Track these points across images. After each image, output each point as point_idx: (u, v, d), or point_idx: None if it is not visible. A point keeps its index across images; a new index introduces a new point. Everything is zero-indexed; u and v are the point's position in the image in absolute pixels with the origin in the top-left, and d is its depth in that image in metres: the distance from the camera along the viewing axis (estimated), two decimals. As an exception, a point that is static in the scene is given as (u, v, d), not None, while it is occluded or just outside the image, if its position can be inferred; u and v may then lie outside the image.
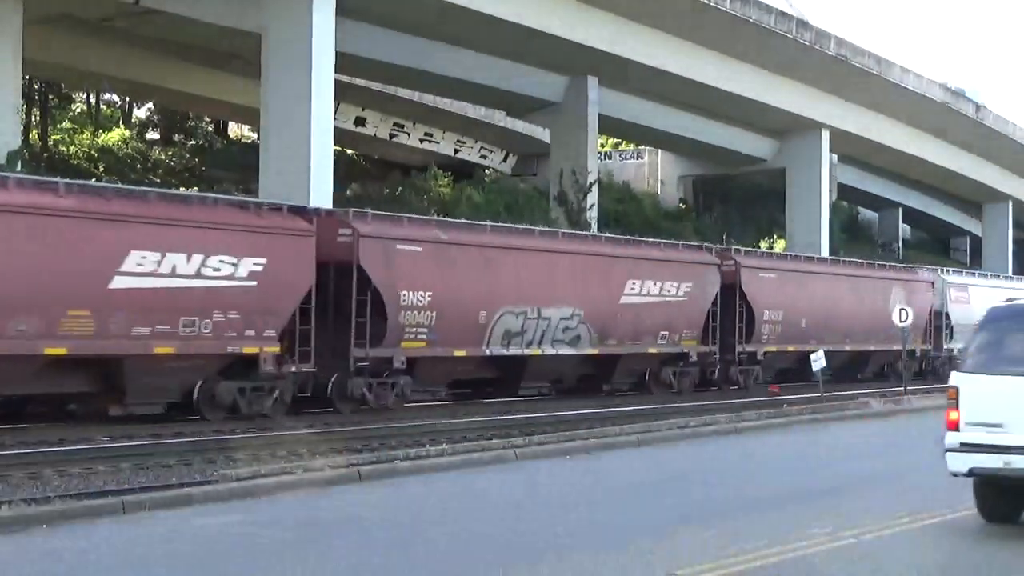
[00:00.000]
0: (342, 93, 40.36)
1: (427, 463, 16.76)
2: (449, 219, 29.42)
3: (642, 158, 71.92)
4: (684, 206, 70.39)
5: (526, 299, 27.10)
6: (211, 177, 53.39)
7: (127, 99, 62.38)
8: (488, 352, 26.49)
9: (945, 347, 41.45)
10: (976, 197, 72.88)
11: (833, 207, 59.95)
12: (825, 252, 49.83)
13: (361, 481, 15.34)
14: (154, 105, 61.24)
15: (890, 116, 54.77)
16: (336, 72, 32.52)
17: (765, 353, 34.13)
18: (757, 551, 10.85)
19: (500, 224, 30.44)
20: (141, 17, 35.62)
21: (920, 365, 40.98)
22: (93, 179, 26.26)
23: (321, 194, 30.05)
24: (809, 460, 19.43)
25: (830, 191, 55.41)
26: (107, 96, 62.27)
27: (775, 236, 63.22)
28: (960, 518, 12.92)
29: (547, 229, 32.44)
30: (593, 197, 45.33)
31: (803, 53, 45.20)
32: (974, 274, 47.15)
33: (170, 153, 58.23)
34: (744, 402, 28.84)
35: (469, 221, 29.64)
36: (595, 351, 29.17)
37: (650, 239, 33.92)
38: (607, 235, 33.68)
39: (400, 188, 55.34)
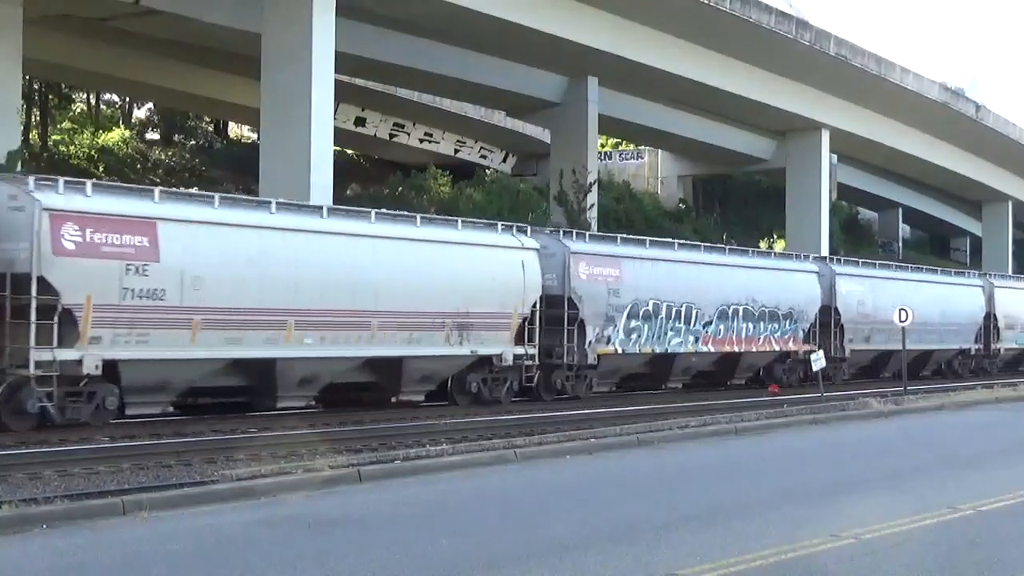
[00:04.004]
0: (342, 93, 40.36)
1: (427, 463, 16.76)
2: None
3: (642, 158, 72.03)
4: (684, 206, 70.42)
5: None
6: (211, 177, 53.42)
7: (127, 99, 62.42)
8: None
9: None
10: (976, 197, 72.88)
11: (833, 207, 59.93)
12: (825, 252, 49.77)
13: (361, 481, 15.34)
14: (154, 105, 61.28)
15: (890, 116, 54.73)
16: (336, 72, 32.51)
17: None
18: (757, 551, 10.86)
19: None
20: (141, 17, 35.63)
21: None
22: (93, 179, 26.02)
23: (321, 194, 30.03)
24: (809, 460, 19.44)
25: (830, 191, 55.36)
26: (107, 96, 62.30)
27: (775, 236, 63.22)
28: (960, 518, 12.95)
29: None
30: (593, 197, 45.36)
31: (803, 53, 45.17)
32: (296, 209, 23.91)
33: (170, 153, 58.27)
34: (745, 402, 28.84)
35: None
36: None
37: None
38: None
39: (400, 188, 55.36)
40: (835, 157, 56.39)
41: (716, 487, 15.67)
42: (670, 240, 33.87)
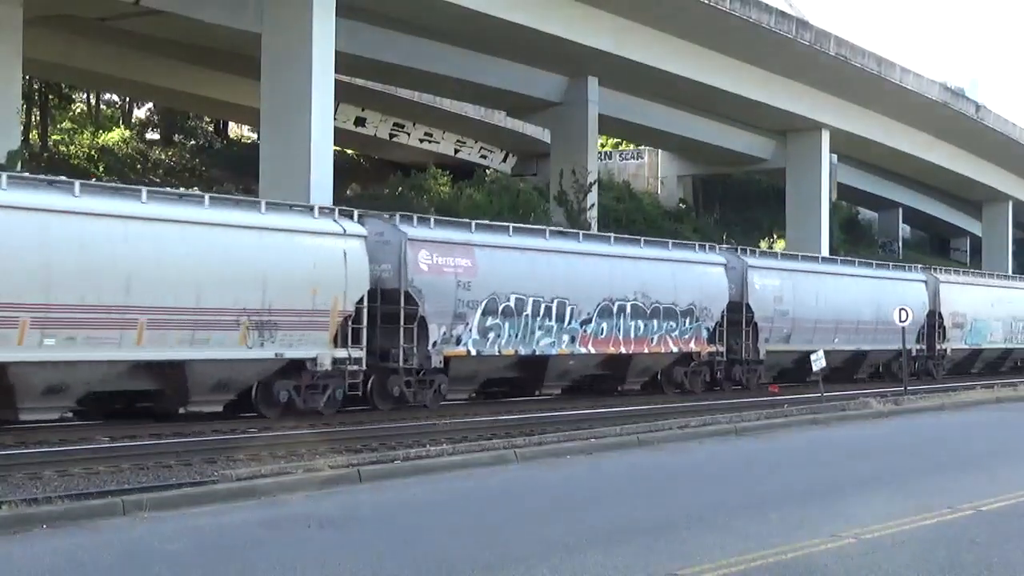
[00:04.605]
0: (342, 93, 40.36)
1: (427, 463, 16.76)
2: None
3: (642, 158, 72.05)
4: (684, 206, 70.44)
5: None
6: (211, 177, 53.43)
7: (127, 99, 62.45)
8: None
9: None
10: (976, 197, 72.89)
11: (833, 207, 59.93)
12: (825, 252, 49.80)
13: (361, 481, 15.35)
14: (154, 105, 61.30)
15: (890, 116, 54.73)
16: (336, 72, 32.51)
17: None
18: (757, 551, 10.86)
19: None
20: (141, 17, 35.63)
21: None
22: (93, 179, 25.57)
23: (321, 194, 30.03)
24: (809, 460, 19.43)
25: (830, 191, 55.37)
26: (107, 96, 62.33)
27: (775, 236, 63.20)
28: (960, 518, 12.95)
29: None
30: (593, 197, 45.35)
31: (803, 53, 45.16)
32: None
33: (170, 153, 58.27)
34: (745, 402, 28.83)
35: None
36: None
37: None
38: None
39: (400, 188, 55.35)
40: (835, 157, 56.41)
41: (716, 487, 15.67)
42: (540, 227, 29.51)
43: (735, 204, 73.14)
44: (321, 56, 30.91)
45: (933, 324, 40.91)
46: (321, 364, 22.44)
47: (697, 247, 33.21)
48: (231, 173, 53.71)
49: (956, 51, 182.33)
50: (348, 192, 53.55)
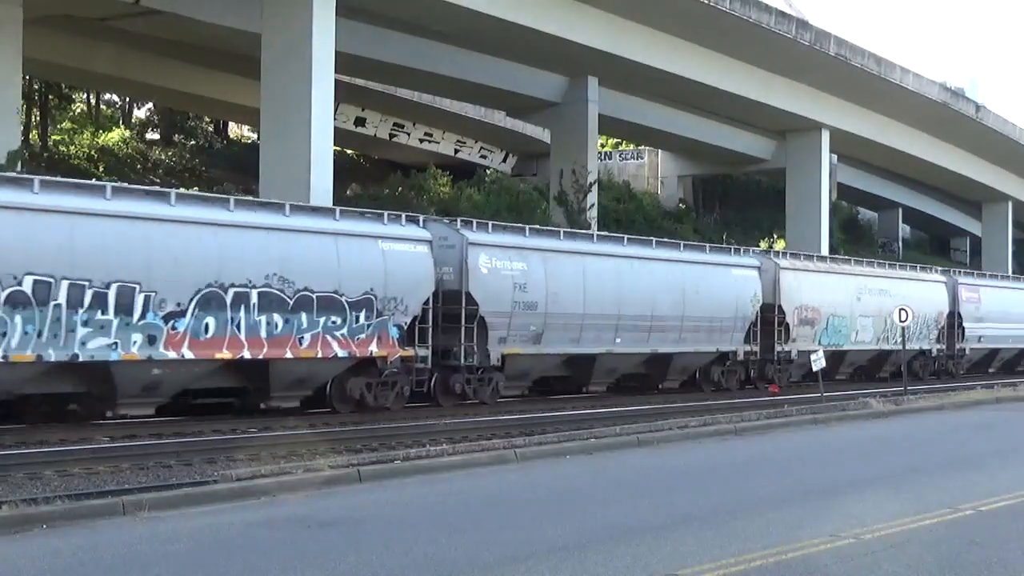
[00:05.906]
0: (342, 93, 40.36)
1: (427, 463, 16.78)
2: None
3: (642, 158, 72.05)
4: (684, 206, 70.45)
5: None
6: (211, 177, 53.45)
7: (127, 99, 62.46)
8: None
9: None
10: (976, 197, 72.88)
11: (833, 207, 59.92)
12: (825, 252, 49.82)
13: (361, 481, 15.36)
14: (154, 105, 61.32)
15: (890, 116, 54.73)
16: (336, 72, 32.52)
17: None
18: (757, 551, 10.87)
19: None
20: (141, 17, 35.64)
21: None
22: (93, 179, 24.99)
23: (321, 194, 30.04)
24: (809, 460, 19.44)
25: (830, 191, 55.35)
26: (107, 96, 62.35)
27: (775, 236, 63.22)
28: (960, 518, 12.96)
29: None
30: (593, 197, 45.37)
31: (803, 53, 45.16)
32: None
33: (170, 153, 58.27)
34: (745, 402, 28.88)
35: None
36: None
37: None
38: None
39: (400, 188, 55.35)
40: (835, 157, 56.40)
41: (716, 487, 15.67)
42: (98, 184, 21.27)
43: (735, 204, 73.14)
44: (321, 56, 30.90)
45: (773, 321, 33.56)
46: None
47: (387, 217, 24.96)
48: (231, 173, 53.72)
49: (956, 51, 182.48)
50: (348, 192, 53.56)
